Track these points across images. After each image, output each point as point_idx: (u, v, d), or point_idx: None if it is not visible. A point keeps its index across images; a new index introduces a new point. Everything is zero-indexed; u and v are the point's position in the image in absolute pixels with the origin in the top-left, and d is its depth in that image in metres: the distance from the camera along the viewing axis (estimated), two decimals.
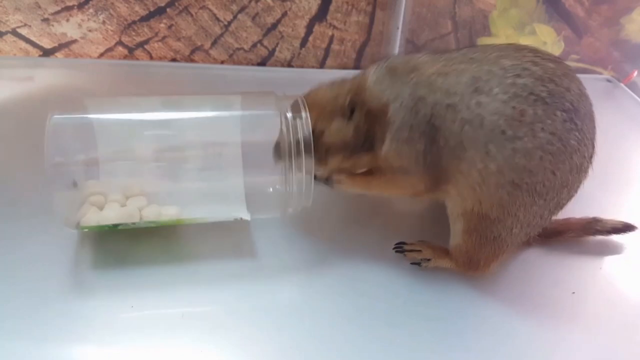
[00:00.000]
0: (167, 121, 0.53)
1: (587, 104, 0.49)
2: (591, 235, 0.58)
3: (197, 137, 0.53)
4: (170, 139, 0.53)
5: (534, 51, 0.49)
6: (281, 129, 0.50)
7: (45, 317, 0.47)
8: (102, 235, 0.54)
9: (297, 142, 0.49)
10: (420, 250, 0.54)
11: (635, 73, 0.95)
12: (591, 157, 0.50)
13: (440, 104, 0.47)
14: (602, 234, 0.58)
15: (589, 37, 0.95)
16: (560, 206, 0.51)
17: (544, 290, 0.53)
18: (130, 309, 0.48)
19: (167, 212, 0.52)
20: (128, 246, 0.53)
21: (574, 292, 0.53)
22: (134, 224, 0.51)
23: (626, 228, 0.58)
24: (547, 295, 0.53)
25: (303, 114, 0.49)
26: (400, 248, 0.55)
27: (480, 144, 0.46)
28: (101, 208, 0.52)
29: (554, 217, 0.52)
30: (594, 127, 0.50)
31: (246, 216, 0.52)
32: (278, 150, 0.51)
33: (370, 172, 0.53)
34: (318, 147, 0.50)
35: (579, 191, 0.57)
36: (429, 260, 0.54)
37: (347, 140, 0.51)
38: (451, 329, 0.49)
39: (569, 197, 0.51)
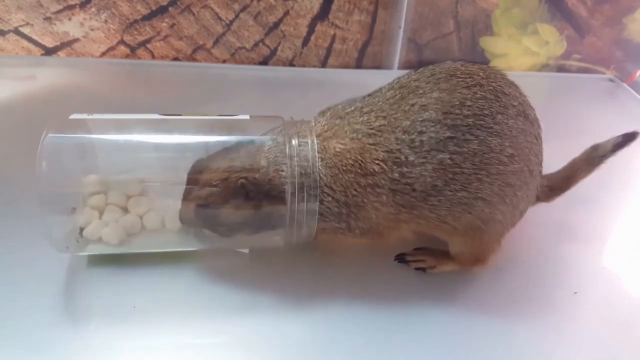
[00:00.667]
0: (168, 144, 0.52)
1: (488, 89, 0.47)
2: (598, 165, 0.56)
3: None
4: (171, 163, 0.51)
5: (415, 91, 0.48)
6: (287, 155, 0.47)
7: (44, 318, 0.47)
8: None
9: (302, 172, 0.46)
10: (423, 260, 0.54)
11: (638, 73, 0.95)
12: (523, 129, 0.48)
13: (357, 183, 0.46)
14: (607, 157, 0.56)
15: (592, 37, 0.95)
16: (533, 177, 0.50)
17: (546, 291, 0.53)
18: (133, 309, 0.48)
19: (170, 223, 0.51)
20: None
21: (575, 292, 0.53)
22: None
23: (626, 138, 0.55)
24: (549, 295, 0.53)
25: (309, 141, 0.47)
26: (402, 259, 0.54)
27: (420, 202, 0.47)
28: (101, 212, 0.51)
29: (538, 181, 0.52)
30: (511, 98, 0.48)
31: (244, 249, 0.51)
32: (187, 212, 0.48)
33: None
34: (218, 223, 0.48)
35: (582, 191, 0.57)
36: (433, 267, 0.53)
37: (247, 220, 0.48)
38: (452, 329, 0.49)
39: (534, 164, 0.50)
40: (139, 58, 0.89)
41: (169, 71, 0.87)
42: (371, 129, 0.47)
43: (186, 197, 0.48)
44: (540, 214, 0.56)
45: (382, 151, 0.47)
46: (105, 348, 0.45)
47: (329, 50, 0.91)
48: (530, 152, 0.49)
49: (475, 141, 0.46)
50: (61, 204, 0.50)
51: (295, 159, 0.47)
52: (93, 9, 0.84)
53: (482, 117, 0.46)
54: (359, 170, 0.46)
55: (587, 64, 0.97)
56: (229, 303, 0.50)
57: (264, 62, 0.91)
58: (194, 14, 0.86)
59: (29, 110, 0.73)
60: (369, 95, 0.51)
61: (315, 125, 0.49)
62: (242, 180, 0.46)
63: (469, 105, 0.46)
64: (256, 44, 0.89)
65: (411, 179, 0.46)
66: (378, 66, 0.93)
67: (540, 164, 0.51)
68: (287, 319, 0.49)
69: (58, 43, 0.86)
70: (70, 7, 0.83)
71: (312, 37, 0.89)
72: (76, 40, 0.86)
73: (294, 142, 0.47)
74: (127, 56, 0.88)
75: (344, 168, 0.46)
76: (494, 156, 0.46)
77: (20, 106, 0.74)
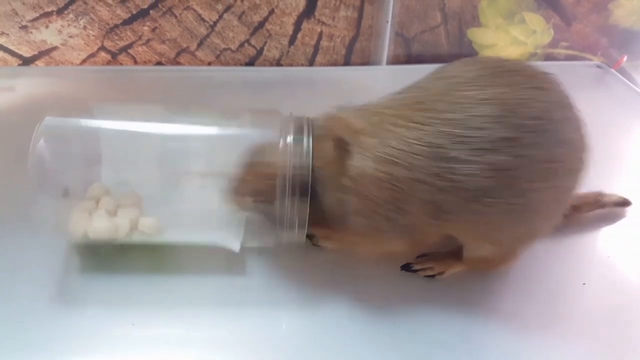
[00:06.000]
0: (172, 135, 0.51)
1: (554, 96, 0.45)
2: (600, 207, 0.58)
3: (202, 154, 0.50)
4: (173, 153, 0.51)
5: (467, 83, 0.43)
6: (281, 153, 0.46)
7: (36, 335, 0.45)
8: (92, 245, 0.52)
9: (294, 169, 0.44)
10: (432, 267, 0.52)
11: (625, 58, 0.95)
12: (579, 146, 0.46)
13: (395, 177, 0.42)
14: (608, 207, 0.59)
15: (578, 24, 0.94)
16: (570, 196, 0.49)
17: (555, 283, 0.52)
18: (132, 326, 0.46)
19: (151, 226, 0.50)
20: (118, 256, 0.52)
21: (584, 283, 0.52)
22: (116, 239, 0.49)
23: (624, 203, 0.59)
24: (559, 287, 0.52)
25: (304, 139, 0.45)
26: (408, 268, 0.52)
27: (465, 203, 0.43)
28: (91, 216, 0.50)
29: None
30: (571, 112, 0.46)
31: (236, 247, 0.49)
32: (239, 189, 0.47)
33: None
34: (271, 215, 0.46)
35: (586, 180, 0.57)
36: (442, 273, 0.51)
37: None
38: (459, 325, 0.48)
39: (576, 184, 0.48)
40: (121, 64, 0.86)
41: (153, 76, 0.85)
42: (411, 121, 0.43)
43: (241, 190, 0.47)
44: None
45: (423, 145, 0.42)
46: (99, 336, 0.45)
47: (316, 48, 0.89)
48: (578, 171, 0.46)
49: (540, 149, 0.42)
50: (53, 186, 0.49)
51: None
52: (71, 15, 0.81)
53: (548, 122, 0.42)
54: (398, 162, 0.42)
55: (574, 52, 0.97)
56: (224, 299, 0.49)
57: (251, 62, 0.89)
58: (176, 16, 0.83)
59: (9, 123, 0.71)
60: (400, 92, 0.47)
61: (349, 120, 0.45)
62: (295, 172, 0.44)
63: (536, 107, 0.42)
64: (242, 45, 0.87)
65: (454, 177, 0.42)
66: (366, 62, 0.92)
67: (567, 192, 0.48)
68: (286, 319, 0.48)
69: (36, 52, 0.83)
70: (47, 15, 0.80)
71: (299, 35, 0.88)
72: (55, 48, 0.83)
73: (289, 139, 0.45)
74: (108, 63, 0.86)
75: (382, 161, 0.42)
76: (556, 167, 0.43)
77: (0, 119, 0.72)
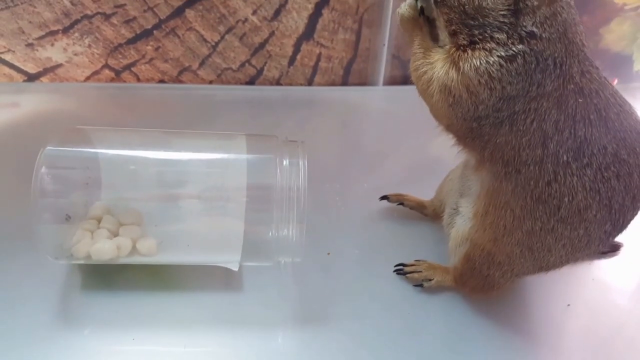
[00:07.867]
0: (172, 160, 0.52)
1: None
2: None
3: (202, 178, 0.51)
4: (173, 177, 0.52)
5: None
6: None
7: (37, 352, 0.46)
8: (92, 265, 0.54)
9: (290, 191, 0.47)
10: (420, 271, 0.54)
11: (616, 81, 0.98)
12: None
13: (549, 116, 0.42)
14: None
15: None
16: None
17: (541, 305, 0.54)
18: (132, 341, 0.47)
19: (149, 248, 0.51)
20: (118, 273, 0.53)
21: (569, 305, 0.54)
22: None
23: (614, 248, 0.59)
24: (544, 309, 0.54)
25: (300, 162, 0.48)
26: (400, 270, 0.55)
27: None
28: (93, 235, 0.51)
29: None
30: None
31: (234, 267, 0.51)
32: None
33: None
34: None
35: None
36: (430, 280, 0.54)
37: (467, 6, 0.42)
38: (446, 347, 0.49)
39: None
40: (124, 81, 0.88)
41: (155, 93, 0.87)
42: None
43: None
44: None
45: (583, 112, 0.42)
46: (99, 352, 0.46)
47: (315, 68, 0.92)
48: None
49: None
50: (55, 212, 0.49)
51: None
52: (76, 34, 0.83)
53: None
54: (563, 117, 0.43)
55: None
56: (220, 317, 0.50)
57: (251, 82, 0.91)
58: (179, 37, 0.85)
59: (13, 138, 0.72)
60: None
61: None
62: None
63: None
64: (242, 65, 0.89)
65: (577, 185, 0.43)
66: (363, 83, 0.94)
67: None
68: (282, 335, 0.49)
69: (41, 69, 0.85)
70: (53, 33, 0.82)
71: (298, 57, 0.90)
72: (59, 65, 0.85)
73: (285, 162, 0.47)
74: (111, 80, 0.88)
75: (562, 103, 0.43)
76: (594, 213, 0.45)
77: (4, 134, 0.73)
